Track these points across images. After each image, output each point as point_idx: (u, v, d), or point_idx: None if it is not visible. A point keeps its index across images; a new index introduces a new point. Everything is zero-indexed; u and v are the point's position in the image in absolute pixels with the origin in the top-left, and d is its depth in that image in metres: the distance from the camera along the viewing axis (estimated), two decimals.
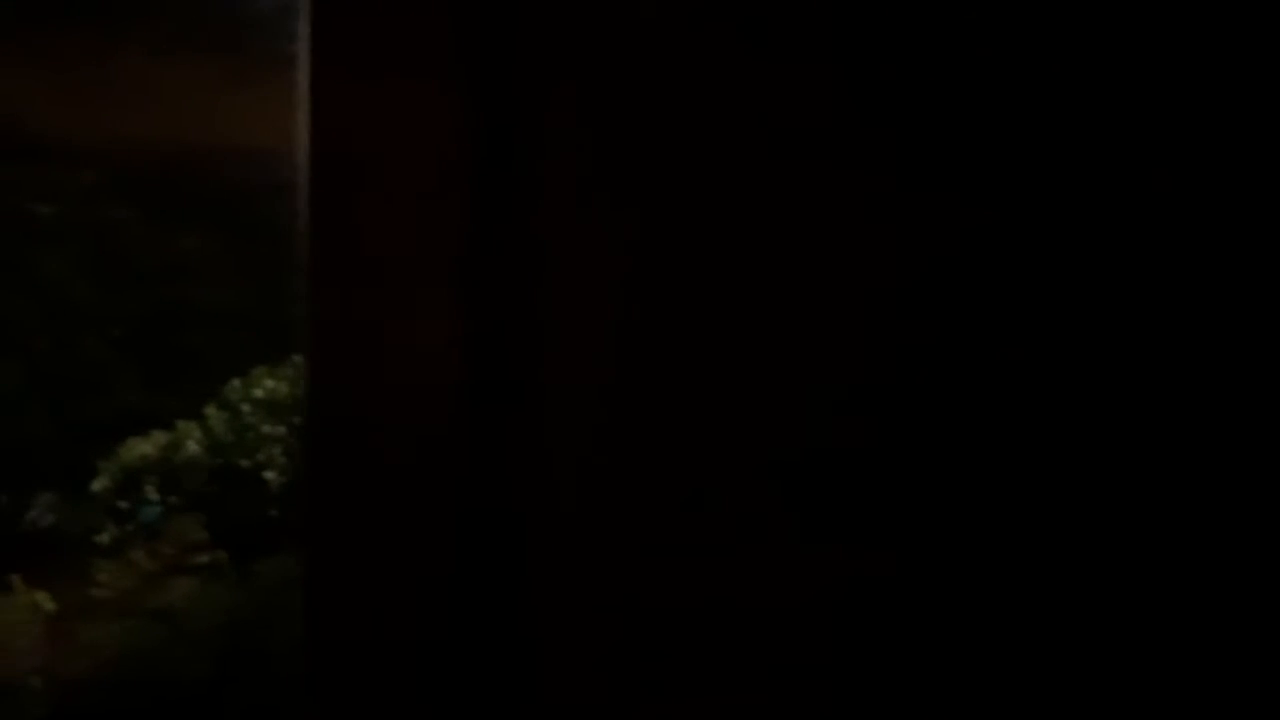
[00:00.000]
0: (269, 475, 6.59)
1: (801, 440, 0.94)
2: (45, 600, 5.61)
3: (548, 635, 0.92)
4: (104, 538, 6.79)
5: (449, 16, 0.87)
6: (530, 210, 0.90)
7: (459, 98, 0.87)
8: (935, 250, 0.95)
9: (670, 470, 0.93)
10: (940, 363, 0.94)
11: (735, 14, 0.94)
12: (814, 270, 0.94)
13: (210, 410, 7.58)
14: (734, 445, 0.95)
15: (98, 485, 7.57)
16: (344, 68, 0.87)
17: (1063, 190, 0.97)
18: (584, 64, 0.93)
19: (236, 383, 7.74)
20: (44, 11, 11.36)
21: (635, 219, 0.94)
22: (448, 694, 0.89)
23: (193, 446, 7.21)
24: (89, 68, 11.09)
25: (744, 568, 0.93)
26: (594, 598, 0.92)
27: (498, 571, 0.89)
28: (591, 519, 0.91)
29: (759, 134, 0.94)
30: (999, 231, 0.95)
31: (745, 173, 0.95)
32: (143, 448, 7.49)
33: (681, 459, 0.93)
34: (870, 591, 0.93)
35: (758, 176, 0.95)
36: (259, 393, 7.36)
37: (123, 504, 7.11)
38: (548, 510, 0.89)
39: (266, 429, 6.96)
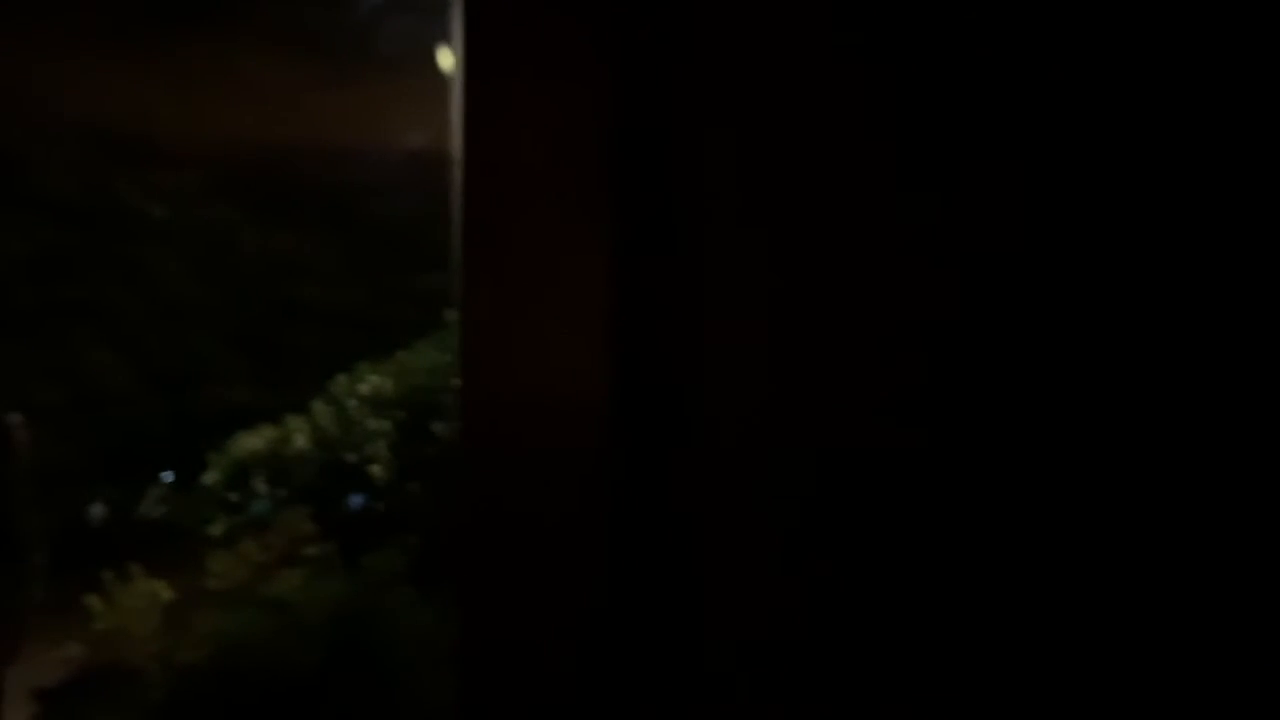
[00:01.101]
0: (374, 470, 6.72)
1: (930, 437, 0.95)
2: (163, 589, 5.81)
3: (717, 638, 0.92)
4: (216, 529, 6.99)
5: (599, 31, 0.88)
6: (679, 220, 0.91)
7: (608, 108, 0.88)
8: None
9: (819, 475, 0.93)
10: (997, 360, 0.96)
11: (863, 45, 0.95)
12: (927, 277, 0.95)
13: (317, 405, 7.75)
14: (870, 443, 0.96)
15: (208, 478, 7.81)
16: (497, 81, 0.88)
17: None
18: (730, 87, 0.93)
19: (341, 379, 7.92)
20: (158, 20, 11.77)
21: (777, 231, 0.94)
22: (610, 702, 0.90)
23: (300, 441, 7.37)
24: (201, 74, 11.46)
25: (892, 561, 0.93)
26: (759, 597, 0.92)
27: (659, 572, 0.89)
28: (750, 525, 0.91)
29: (870, 153, 0.96)
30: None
31: (861, 188, 0.96)
32: (252, 442, 7.69)
33: (828, 461, 0.93)
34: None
35: (873, 190, 0.96)
36: (364, 388, 7.50)
37: (233, 496, 7.31)
38: (711, 517, 0.90)
39: (371, 424, 7.09)
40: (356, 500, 6.84)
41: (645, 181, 0.91)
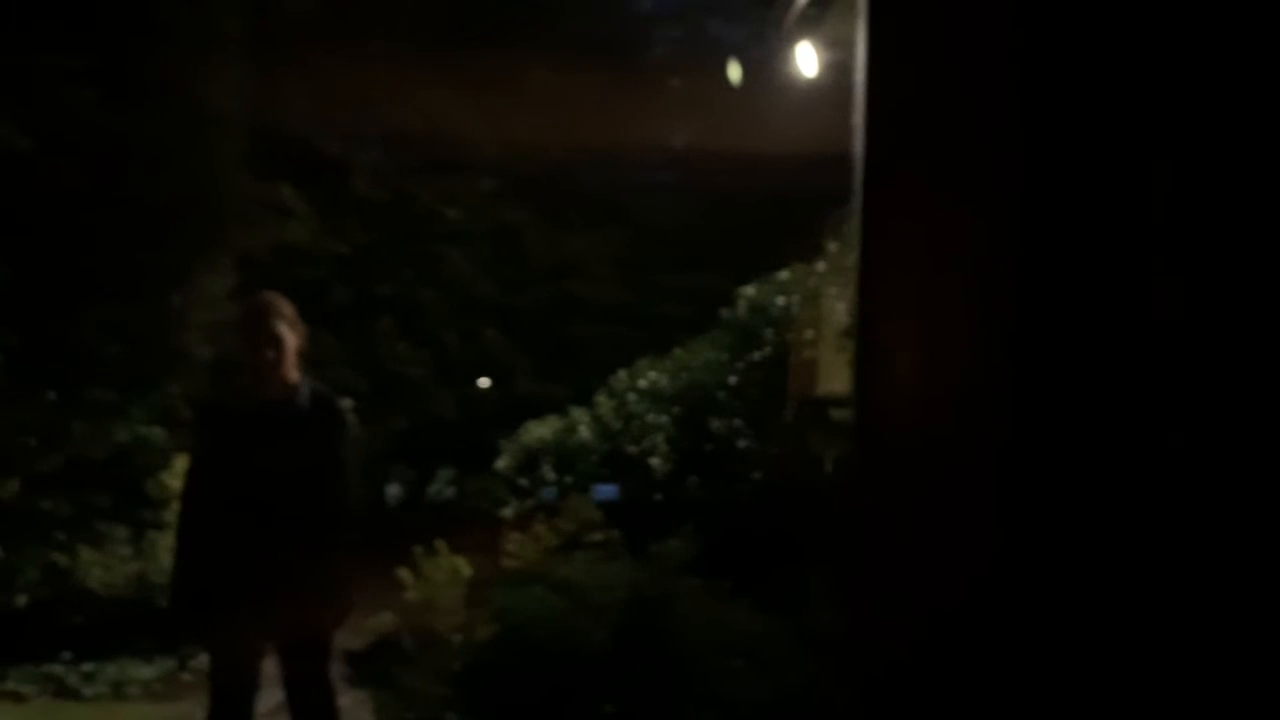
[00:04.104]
0: (654, 462, 6.89)
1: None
2: (463, 565, 6.22)
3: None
4: (508, 511, 7.38)
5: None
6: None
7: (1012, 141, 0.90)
8: None
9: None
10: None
11: None
12: None
13: (600, 398, 8.04)
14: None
15: (500, 464, 8.28)
16: (900, 75, 0.91)
17: None
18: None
19: (622, 373, 8.20)
20: (458, 34, 12.57)
21: None
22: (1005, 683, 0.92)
23: (584, 431, 7.67)
24: (495, 83, 12.16)
25: None
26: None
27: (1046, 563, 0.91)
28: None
29: None
30: None
31: None
32: (540, 431, 8.09)
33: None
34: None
35: None
36: (643, 383, 7.72)
37: (523, 481, 7.70)
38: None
39: (650, 418, 7.28)
40: (607, 490, 7.01)
41: (1048, 176, 0.91)
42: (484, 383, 13.72)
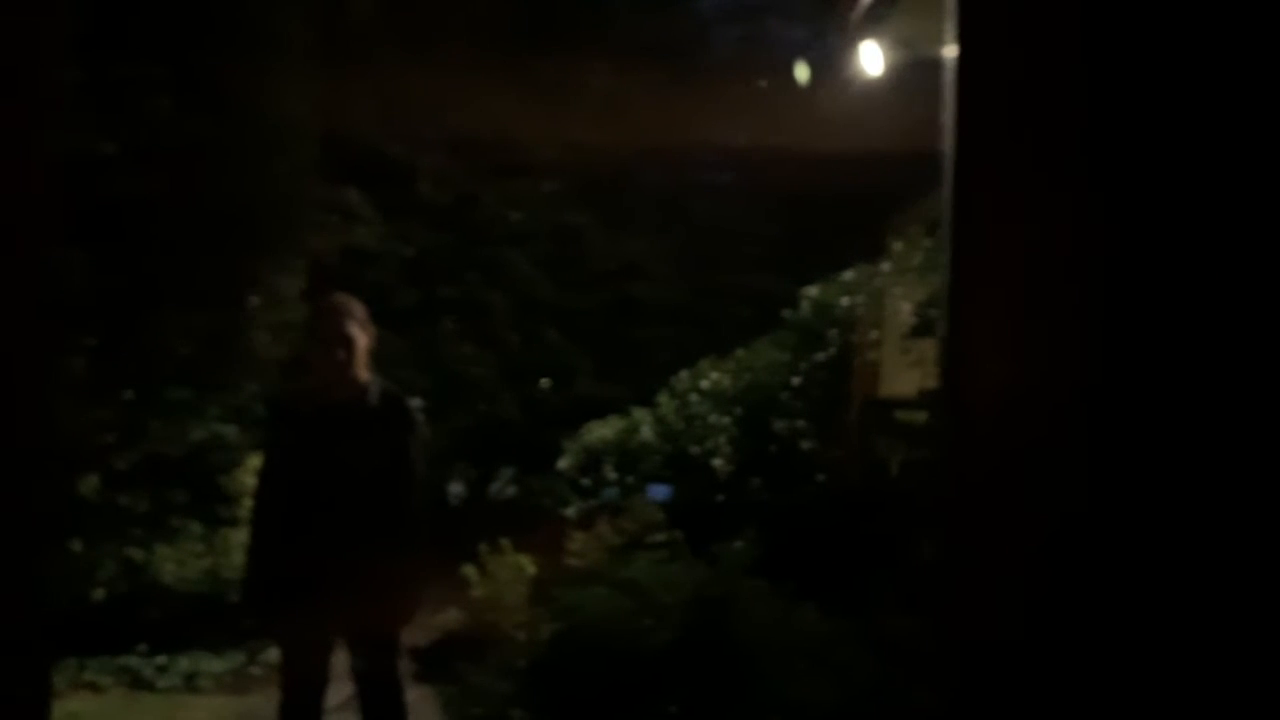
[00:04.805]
0: (717, 463, 6.89)
1: None
2: (527, 563, 6.27)
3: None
4: (570, 511, 7.42)
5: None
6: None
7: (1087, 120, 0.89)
8: None
9: None
10: None
11: None
12: None
13: (662, 399, 8.05)
14: None
15: (563, 464, 8.34)
16: (989, 80, 0.90)
17: None
18: None
19: (684, 374, 8.20)
20: (520, 38, 12.66)
21: None
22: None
23: (646, 432, 7.68)
24: (556, 86, 12.23)
25: None
26: None
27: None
28: None
29: None
30: None
31: None
32: (602, 431, 8.13)
33: None
34: None
35: None
36: (705, 384, 7.72)
37: (585, 481, 7.73)
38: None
39: (713, 419, 7.28)
40: (660, 490, 7.00)
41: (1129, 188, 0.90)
42: (543, 383, 13.81)
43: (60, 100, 1.42)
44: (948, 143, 0.96)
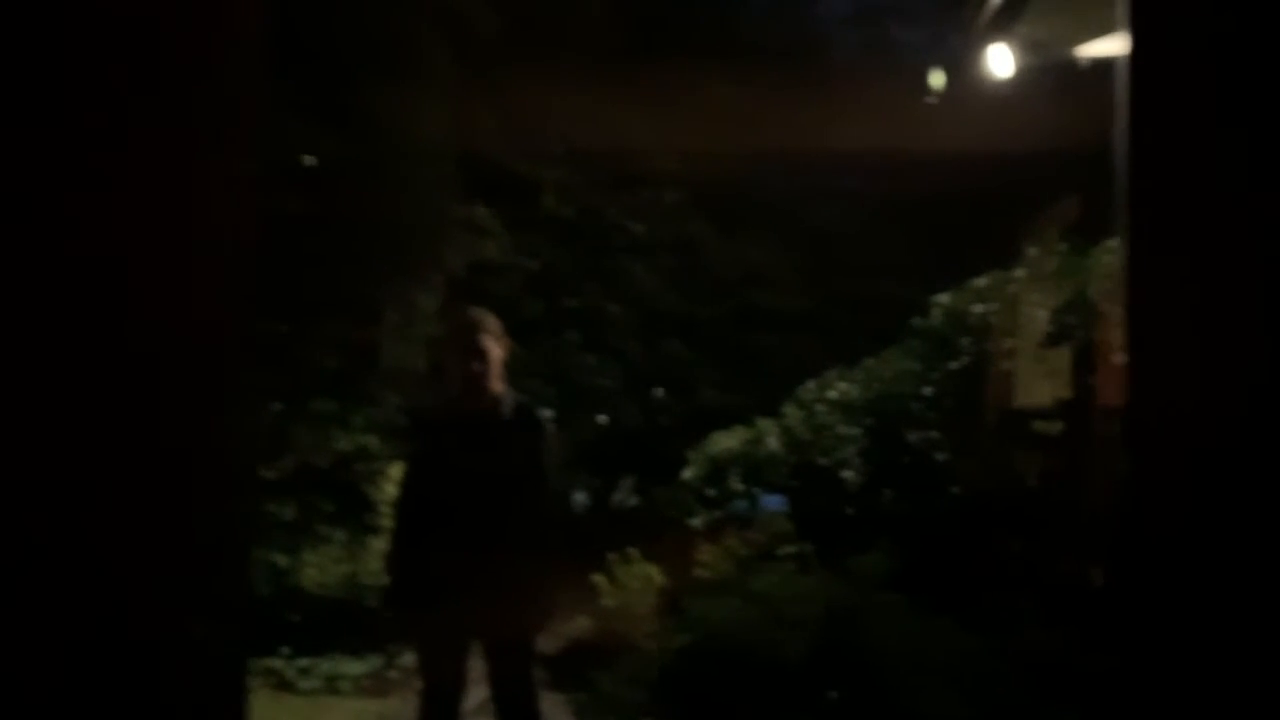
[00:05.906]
0: (846, 475, 6.79)
1: None
2: (656, 573, 6.30)
3: None
4: (696, 521, 7.41)
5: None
6: None
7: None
8: None
9: None
10: None
11: None
12: None
13: (788, 409, 7.98)
14: None
15: (688, 473, 8.32)
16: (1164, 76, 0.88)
17: None
18: None
19: (810, 384, 8.11)
20: (639, 50, 12.77)
21: None
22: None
23: (772, 443, 7.62)
24: (675, 97, 12.29)
25: None
26: None
27: None
28: None
29: None
30: None
31: None
32: (727, 441, 8.09)
33: None
34: None
35: None
36: (833, 394, 7.62)
37: (710, 492, 7.71)
38: None
39: (842, 429, 7.18)
40: (774, 500, 6.92)
41: None
42: (657, 392, 13.86)
43: (266, 121, 1.50)
44: (1119, 146, 0.93)
